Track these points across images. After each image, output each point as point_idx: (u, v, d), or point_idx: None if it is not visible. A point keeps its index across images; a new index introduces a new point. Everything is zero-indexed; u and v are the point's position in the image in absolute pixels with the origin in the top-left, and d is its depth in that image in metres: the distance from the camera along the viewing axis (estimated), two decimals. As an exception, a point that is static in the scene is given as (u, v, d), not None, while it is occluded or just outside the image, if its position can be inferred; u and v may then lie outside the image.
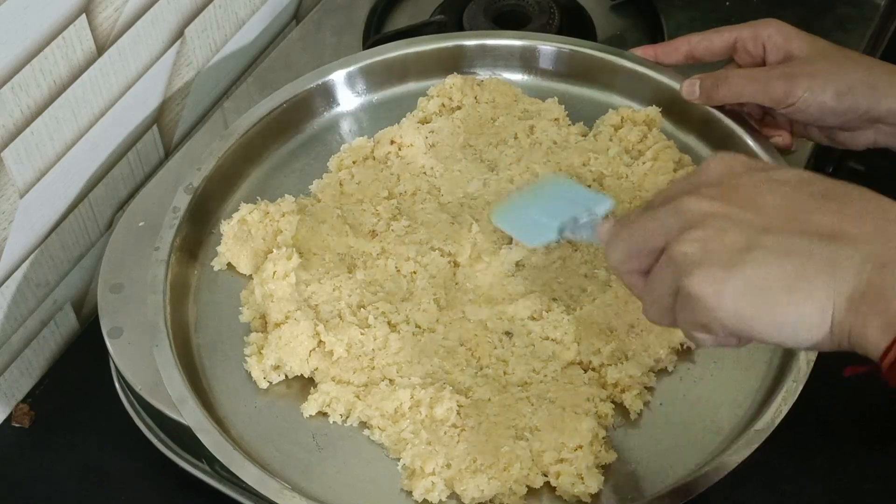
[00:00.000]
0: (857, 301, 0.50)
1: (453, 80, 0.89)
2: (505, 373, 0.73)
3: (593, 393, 0.71)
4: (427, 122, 0.89)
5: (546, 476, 0.68)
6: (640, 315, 0.70)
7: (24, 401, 0.84)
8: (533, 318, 0.75)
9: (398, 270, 0.78)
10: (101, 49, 0.82)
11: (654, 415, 0.72)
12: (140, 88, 0.88)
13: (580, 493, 0.67)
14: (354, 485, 0.69)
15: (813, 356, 0.70)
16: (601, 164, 0.84)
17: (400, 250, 0.78)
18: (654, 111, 0.87)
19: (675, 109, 0.87)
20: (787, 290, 0.51)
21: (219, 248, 0.80)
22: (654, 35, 1.01)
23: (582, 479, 0.67)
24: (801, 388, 0.69)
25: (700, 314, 0.53)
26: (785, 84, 0.77)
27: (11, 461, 0.80)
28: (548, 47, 0.92)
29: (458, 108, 0.89)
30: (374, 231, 0.81)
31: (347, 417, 0.72)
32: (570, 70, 0.92)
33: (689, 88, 0.83)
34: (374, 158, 0.86)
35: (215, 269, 0.80)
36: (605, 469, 0.69)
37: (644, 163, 0.83)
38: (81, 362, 0.87)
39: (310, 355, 0.73)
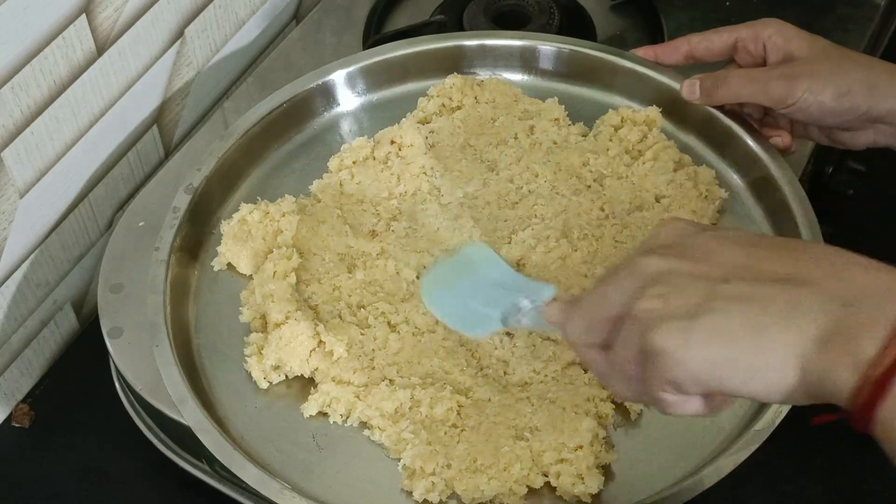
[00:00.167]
0: (824, 343, 0.49)
1: (453, 80, 0.89)
2: (505, 373, 0.73)
3: (593, 393, 0.71)
4: (427, 122, 0.89)
5: (546, 476, 0.68)
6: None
7: (24, 401, 0.84)
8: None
9: (398, 272, 0.78)
10: (101, 49, 0.82)
11: (654, 415, 0.72)
12: (140, 88, 0.88)
13: (580, 493, 0.67)
14: (354, 485, 0.69)
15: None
16: (601, 164, 0.84)
17: (400, 255, 0.78)
18: (654, 111, 0.87)
19: (675, 109, 0.87)
20: (753, 333, 0.50)
21: (219, 248, 0.80)
22: (654, 35, 1.01)
23: (582, 479, 0.67)
24: (801, 388, 0.69)
25: (669, 370, 0.52)
26: (785, 84, 0.76)
27: (11, 461, 0.81)
28: (548, 47, 0.92)
29: (458, 108, 0.89)
30: (374, 231, 0.81)
31: (347, 417, 0.72)
32: (570, 70, 0.92)
33: (689, 88, 0.83)
34: (374, 158, 0.85)
35: (215, 269, 0.80)
36: (605, 469, 0.69)
37: (644, 163, 0.83)
38: (81, 362, 0.87)
39: (310, 355, 0.73)
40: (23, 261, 0.81)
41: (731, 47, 0.82)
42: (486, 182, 0.84)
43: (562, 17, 0.99)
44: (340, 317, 0.75)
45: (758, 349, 0.50)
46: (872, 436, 0.49)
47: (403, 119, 0.88)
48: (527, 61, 0.93)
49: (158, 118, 0.93)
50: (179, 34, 0.91)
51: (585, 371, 0.73)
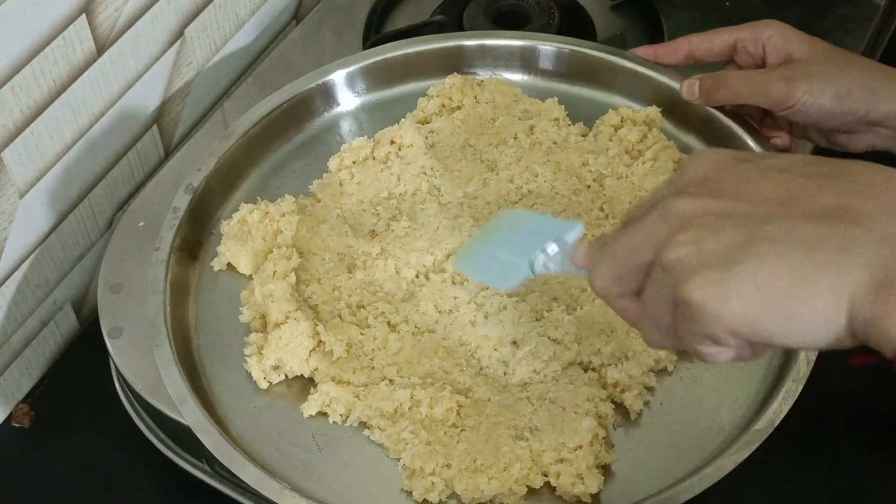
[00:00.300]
0: (876, 289, 0.45)
1: (453, 80, 0.89)
2: (505, 373, 0.73)
3: (593, 393, 0.71)
4: (427, 122, 0.89)
5: (546, 476, 0.68)
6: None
7: (24, 401, 0.84)
8: (535, 319, 0.75)
9: (398, 272, 0.78)
10: (101, 49, 0.82)
11: (654, 415, 0.72)
12: (140, 88, 0.88)
13: (580, 493, 0.67)
14: (354, 485, 0.69)
15: (813, 356, 0.70)
16: (601, 165, 0.84)
17: (400, 255, 0.78)
18: (654, 111, 0.87)
19: (676, 109, 0.87)
20: (798, 282, 0.46)
21: (219, 248, 0.80)
22: (654, 35, 1.02)
23: (582, 479, 0.67)
24: (801, 388, 0.69)
25: (704, 324, 0.48)
26: (784, 86, 0.76)
27: (11, 461, 0.80)
28: (548, 47, 0.92)
29: (458, 108, 0.89)
30: (373, 231, 0.81)
31: (347, 417, 0.72)
32: (570, 70, 0.92)
33: (689, 89, 0.83)
34: (374, 158, 0.86)
35: (215, 269, 0.80)
36: (605, 469, 0.69)
37: (644, 163, 0.84)
38: (81, 362, 0.87)
39: (310, 355, 0.73)
40: (23, 261, 0.81)
41: (731, 48, 0.82)
42: (486, 182, 0.84)
43: (562, 17, 0.99)
44: (340, 317, 0.75)
45: (803, 299, 0.46)
46: None
47: (403, 119, 0.89)
48: (527, 61, 0.93)
49: (158, 118, 0.93)
50: (179, 34, 0.91)
51: (585, 371, 0.73)
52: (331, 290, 0.77)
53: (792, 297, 0.46)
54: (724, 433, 0.70)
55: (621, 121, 0.87)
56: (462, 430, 0.69)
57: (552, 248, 0.58)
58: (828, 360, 0.65)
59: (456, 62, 0.92)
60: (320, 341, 0.73)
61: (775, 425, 0.67)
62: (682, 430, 0.71)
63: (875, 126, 0.77)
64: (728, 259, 0.47)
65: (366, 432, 0.71)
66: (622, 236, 0.53)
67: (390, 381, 0.72)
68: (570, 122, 0.88)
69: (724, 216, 0.49)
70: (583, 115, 0.89)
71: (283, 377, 0.74)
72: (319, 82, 0.89)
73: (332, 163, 0.86)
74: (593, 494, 0.67)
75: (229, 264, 0.80)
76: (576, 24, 1.01)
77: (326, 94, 0.90)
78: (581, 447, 0.67)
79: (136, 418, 0.77)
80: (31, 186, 0.79)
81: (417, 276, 0.78)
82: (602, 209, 0.81)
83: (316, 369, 0.73)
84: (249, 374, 0.73)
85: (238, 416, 0.72)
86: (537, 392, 0.71)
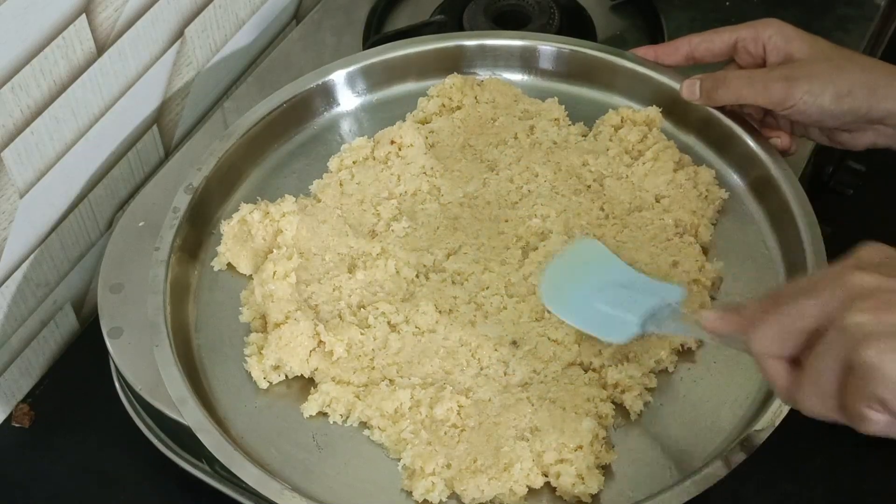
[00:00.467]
0: None
1: (453, 80, 0.89)
2: (505, 373, 0.73)
3: (594, 393, 0.71)
4: (427, 122, 0.89)
5: (546, 476, 0.68)
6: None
7: (24, 401, 0.84)
8: (535, 319, 0.75)
9: (398, 272, 0.78)
10: (101, 49, 0.82)
11: (655, 415, 0.72)
12: (140, 88, 0.88)
13: (580, 494, 0.67)
14: (354, 485, 0.69)
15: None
16: (601, 165, 0.84)
17: (400, 255, 0.78)
18: (654, 111, 0.87)
19: (676, 109, 0.87)
20: None
21: (219, 248, 0.80)
22: (654, 35, 1.01)
23: (582, 479, 0.67)
24: (801, 388, 0.69)
25: (877, 386, 0.51)
26: (784, 86, 0.76)
27: (11, 461, 0.80)
28: (548, 47, 0.92)
29: (458, 108, 0.89)
30: (374, 231, 0.81)
31: (347, 418, 0.71)
32: (570, 70, 0.92)
33: (689, 89, 0.83)
34: (374, 158, 0.86)
35: (215, 269, 0.80)
36: (606, 469, 0.69)
37: (644, 163, 0.83)
38: (81, 362, 0.87)
39: (310, 355, 0.73)
40: (23, 261, 0.81)
41: (732, 48, 0.82)
42: (486, 182, 0.84)
43: (562, 17, 0.99)
44: (340, 317, 0.75)
45: None
46: None
47: (403, 119, 0.88)
48: (527, 61, 0.93)
49: (158, 118, 0.93)
50: (179, 34, 0.91)
51: (585, 371, 0.73)
52: (331, 290, 0.77)
53: None
54: (724, 433, 0.70)
55: (621, 121, 0.87)
56: (462, 431, 0.69)
57: (666, 310, 0.67)
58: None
59: (456, 62, 0.92)
60: (320, 341, 0.73)
61: (775, 425, 0.67)
62: (682, 431, 0.71)
63: (876, 124, 0.77)
64: None
65: (366, 432, 0.71)
66: (789, 302, 0.55)
67: (390, 381, 0.72)
68: (570, 122, 0.88)
69: None
70: (583, 115, 0.89)
71: (283, 377, 0.74)
72: (319, 82, 0.89)
73: (333, 163, 0.86)
74: (593, 494, 0.67)
75: (229, 264, 0.80)
76: (576, 24, 1.01)
77: (326, 94, 0.90)
78: (581, 447, 0.67)
79: (136, 418, 0.77)
80: (31, 186, 0.79)
81: (417, 276, 0.78)
82: (602, 209, 0.81)
83: (316, 369, 0.73)
84: (249, 374, 0.73)
85: (238, 416, 0.72)
86: (537, 392, 0.71)
